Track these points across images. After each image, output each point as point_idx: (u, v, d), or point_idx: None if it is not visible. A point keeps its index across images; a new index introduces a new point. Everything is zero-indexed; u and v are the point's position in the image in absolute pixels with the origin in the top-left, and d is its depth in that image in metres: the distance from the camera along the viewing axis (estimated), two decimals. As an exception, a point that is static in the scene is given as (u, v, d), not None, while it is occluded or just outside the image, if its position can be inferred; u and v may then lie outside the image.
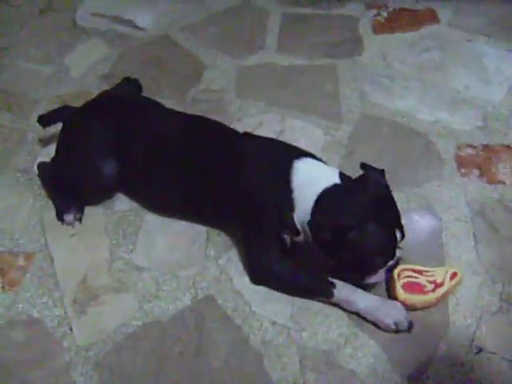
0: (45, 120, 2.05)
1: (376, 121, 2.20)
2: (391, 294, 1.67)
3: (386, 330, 1.61)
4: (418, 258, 1.77)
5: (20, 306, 1.74)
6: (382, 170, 1.68)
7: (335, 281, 1.64)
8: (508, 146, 2.10)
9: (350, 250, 1.53)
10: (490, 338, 1.61)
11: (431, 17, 2.67)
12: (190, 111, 2.14)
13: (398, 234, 1.57)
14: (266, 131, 2.15)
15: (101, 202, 1.98)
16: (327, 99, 2.29)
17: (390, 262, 1.62)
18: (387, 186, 1.64)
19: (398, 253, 1.62)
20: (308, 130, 2.17)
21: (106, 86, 2.35)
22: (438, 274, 1.67)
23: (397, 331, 1.60)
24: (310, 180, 1.62)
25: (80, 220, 1.93)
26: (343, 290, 1.63)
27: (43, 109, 2.28)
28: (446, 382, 1.53)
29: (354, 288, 1.64)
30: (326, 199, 1.57)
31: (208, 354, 1.60)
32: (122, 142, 1.85)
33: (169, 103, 2.07)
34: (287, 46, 2.54)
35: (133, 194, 1.98)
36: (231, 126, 2.14)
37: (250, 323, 1.65)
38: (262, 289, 1.72)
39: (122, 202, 1.98)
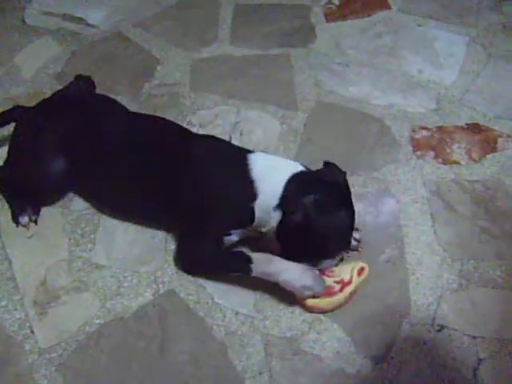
0: None
1: (331, 108, 2.21)
2: (298, 302, 1.66)
3: (302, 296, 1.63)
4: (377, 241, 1.80)
5: (-21, 311, 1.71)
6: (344, 172, 1.70)
7: (252, 255, 1.64)
8: (461, 127, 2.13)
9: (313, 231, 1.55)
10: (451, 315, 1.64)
11: (382, 3, 2.70)
12: (144, 106, 2.14)
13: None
14: (222, 123, 2.15)
15: (54, 202, 1.95)
16: (282, 88, 2.29)
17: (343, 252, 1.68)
18: (347, 186, 1.67)
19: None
20: (264, 120, 2.17)
21: (58, 86, 2.30)
22: (345, 271, 1.66)
23: (314, 296, 1.62)
24: (273, 168, 1.64)
25: (35, 222, 1.90)
26: (259, 264, 1.63)
27: (-5, 111, 2.25)
28: (409, 360, 1.56)
29: (269, 259, 1.63)
30: (296, 183, 1.59)
31: (173, 348, 1.59)
32: (71, 142, 1.82)
33: (123, 99, 2.05)
34: (240, 37, 2.54)
35: (84, 194, 1.96)
36: (187, 119, 2.14)
37: (212, 315, 1.65)
38: (224, 280, 1.71)
39: (79, 201, 1.94)
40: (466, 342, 1.59)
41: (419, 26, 2.58)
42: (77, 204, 1.94)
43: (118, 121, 1.88)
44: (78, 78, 2.26)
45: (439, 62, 2.41)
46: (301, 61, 2.41)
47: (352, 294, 1.64)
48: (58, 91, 2.19)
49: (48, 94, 2.22)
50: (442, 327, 1.62)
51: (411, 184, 1.96)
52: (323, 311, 1.64)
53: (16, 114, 1.99)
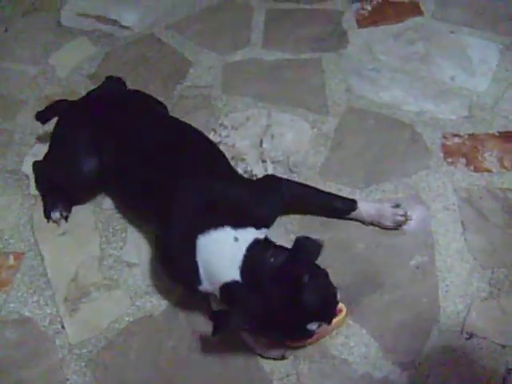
0: (42, 116, 2.07)
1: (362, 113, 2.21)
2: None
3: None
4: (407, 247, 1.79)
5: (11, 305, 1.74)
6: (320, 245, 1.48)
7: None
8: (493, 135, 2.11)
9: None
10: (481, 324, 1.63)
11: (415, 9, 2.68)
12: (176, 108, 2.17)
13: (313, 325, 1.46)
14: (253, 126, 2.17)
15: (86, 200, 1.98)
16: (313, 93, 2.29)
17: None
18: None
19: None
20: (295, 123, 2.17)
21: (92, 86, 2.34)
22: None
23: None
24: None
25: (66, 218, 1.94)
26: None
27: (30, 109, 2.29)
28: (437, 367, 1.55)
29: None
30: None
31: (201, 347, 1.60)
32: (104, 142, 1.85)
33: (156, 101, 2.07)
34: (272, 41, 2.54)
35: (112, 195, 1.99)
36: (219, 121, 2.16)
37: (241, 316, 1.66)
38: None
39: (110, 200, 1.98)
40: (496, 351, 1.57)
41: (452, 32, 2.56)
42: (109, 203, 1.98)
43: (147, 124, 1.89)
44: (109, 78, 2.30)
45: (472, 69, 2.39)
46: (332, 65, 2.41)
47: (319, 336, 1.57)
48: (93, 90, 2.23)
49: (82, 93, 2.25)
50: (471, 335, 1.61)
51: (442, 191, 1.94)
52: (293, 347, 1.59)
53: (60, 108, 2.04)
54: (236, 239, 1.52)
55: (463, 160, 2.03)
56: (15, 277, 1.80)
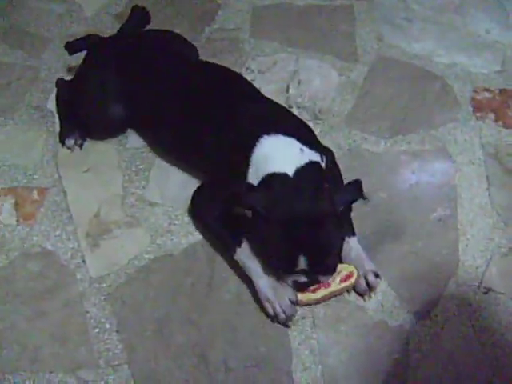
0: (71, 47, 2.06)
1: (392, 62, 2.17)
2: None
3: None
4: (430, 200, 1.78)
5: (34, 238, 1.76)
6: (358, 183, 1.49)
7: (244, 243, 1.60)
8: (526, 91, 2.07)
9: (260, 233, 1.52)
10: (499, 279, 1.63)
11: (452, -42, 2.60)
12: (204, 50, 2.14)
13: (302, 261, 1.45)
14: (280, 71, 2.14)
15: (106, 139, 1.99)
16: (343, 40, 2.25)
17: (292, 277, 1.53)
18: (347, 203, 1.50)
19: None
20: (323, 70, 2.14)
21: (118, 25, 2.31)
22: None
23: (273, 320, 1.57)
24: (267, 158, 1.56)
25: (80, 146, 1.96)
26: (244, 253, 1.59)
27: (56, 47, 2.29)
28: (453, 320, 1.56)
29: (252, 256, 1.58)
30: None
31: (219, 286, 1.62)
32: (133, 83, 1.86)
33: (183, 42, 2.05)
34: (303, -14, 2.49)
35: (141, 134, 1.99)
36: (246, 65, 2.14)
37: (260, 258, 1.67)
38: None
39: (134, 139, 1.98)
40: (512, 307, 1.57)
41: (489, -17, 2.48)
42: (132, 141, 1.98)
43: (179, 67, 1.89)
44: (135, 8, 2.28)
45: (507, 23, 2.32)
46: (364, 13, 2.36)
47: (326, 297, 1.56)
48: (125, 24, 2.25)
49: (108, 33, 2.24)
50: (488, 290, 1.61)
51: (469, 145, 1.92)
52: (301, 304, 1.58)
53: (89, 42, 2.04)
54: (301, 150, 1.55)
55: (492, 115, 2.00)
56: (38, 211, 1.82)
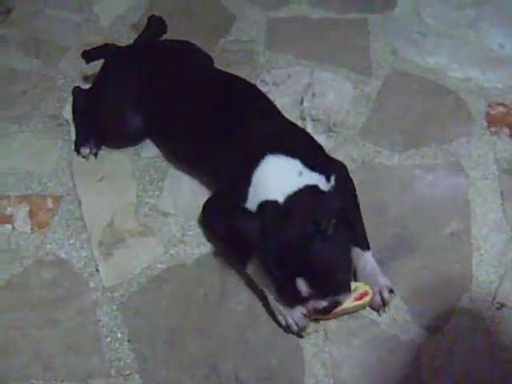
0: (88, 55, 2.09)
1: (406, 76, 2.17)
2: None
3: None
4: (443, 214, 1.77)
5: (48, 246, 1.77)
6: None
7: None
8: (540, 106, 2.07)
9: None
10: (513, 295, 1.62)
11: (467, -27, 2.61)
12: (218, 61, 2.16)
13: (303, 285, 1.44)
14: (295, 83, 2.15)
15: (122, 148, 2.00)
16: (357, 53, 2.26)
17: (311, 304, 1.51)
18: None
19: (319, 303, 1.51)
20: (337, 83, 2.15)
21: (134, 35, 2.34)
22: None
23: (285, 330, 1.56)
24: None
25: (95, 155, 1.97)
26: (253, 266, 1.59)
27: (72, 56, 2.31)
28: (466, 335, 1.54)
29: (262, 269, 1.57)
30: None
31: (231, 297, 1.62)
32: (150, 92, 1.87)
33: (198, 53, 2.07)
34: (318, -1, 2.51)
35: (156, 143, 2.00)
36: (260, 77, 2.15)
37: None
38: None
39: (149, 149, 1.99)
40: (526, 323, 1.56)
41: (503, -2, 2.49)
42: (147, 151, 1.99)
43: (196, 76, 1.90)
44: (152, 18, 2.31)
45: (522, 38, 2.32)
46: (378, 27, 2.36)
47: (338, 313, 1.54)
48: (142, 34, 2.28)
49: (124, 43, 2.26)
50: (502, 305, 1.59)
51: (483, 160, 1.91)
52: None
53: (106, 51, 2.07)
54: (300, 173, 1.55)
55: (507, 130, 1.99)
56: (52, 219, 1.83)
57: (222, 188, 1.73)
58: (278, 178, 1.55)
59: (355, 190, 1.72)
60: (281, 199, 1.50)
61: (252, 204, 1.56)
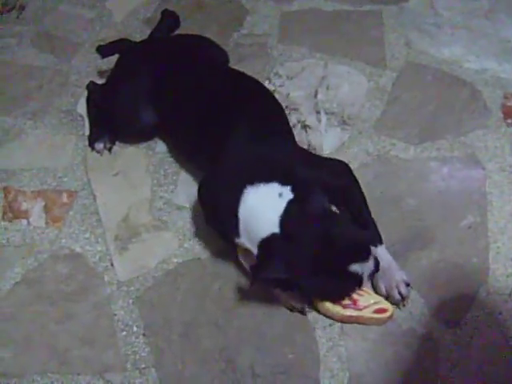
0: (103, 50, 2.10)
1: (421, 68, 2.15)
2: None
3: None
4: (460, 207, 1.76)
5: (63, 241, 1.78)
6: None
7: None
8: (558, 98, 2.04)
9: None
10: (531, 289, 1.60)
11: (482, -37, 2.57)
12: (231, 55, 2.15)
13: (357, 266, 1.44)
14: (309, 76, 2.14)
15: (136, 143, 2.00)
16: (372, 46, 2.24)
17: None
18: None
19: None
20: (352, 75, 2.13)
21: (148, 31, 2.34)
22: (367, 299, 1.54)
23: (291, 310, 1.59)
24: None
25: (110, 150, 1.98)
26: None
27: (86, 52, 2.32)
28: (483, 329, 1.53)
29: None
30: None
31: (246, 291, 1.62)
32: (164, 90, 1.87)
33: (211, 47, 2.06)
34: (332, -9, 2.49)
35: (166, 140, 2.00)
36: (274, 70, 2.14)
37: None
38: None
39: (163, 144, 2.00)
40: (544, 317, 1.55)
41: (519, -12, 2.45)
42: (161, 146, 1.99)
43: (209, 71, 1.90)
44: (165, 12, 2.32)
45: (539, 29, 2.29)
46: (392, 19, 2.34)
47: (352, 318, 1.54)
48: (156, 28, 2.30)
49: (137, 38, 2.27)
50: (519, 299, 1.58)
51: (499, 152, 1.89)
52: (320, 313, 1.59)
53: (121, 46, 2.08)
54: (280, 195, 1.50)
55: (523, 121, 1.97)
56: (68, 214, 1.84)
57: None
58: (262, 210, 1.49)
59: (359, 187, 1.66)
60: (276, 229, 1.46)
61: (245, 239, 1.52)
